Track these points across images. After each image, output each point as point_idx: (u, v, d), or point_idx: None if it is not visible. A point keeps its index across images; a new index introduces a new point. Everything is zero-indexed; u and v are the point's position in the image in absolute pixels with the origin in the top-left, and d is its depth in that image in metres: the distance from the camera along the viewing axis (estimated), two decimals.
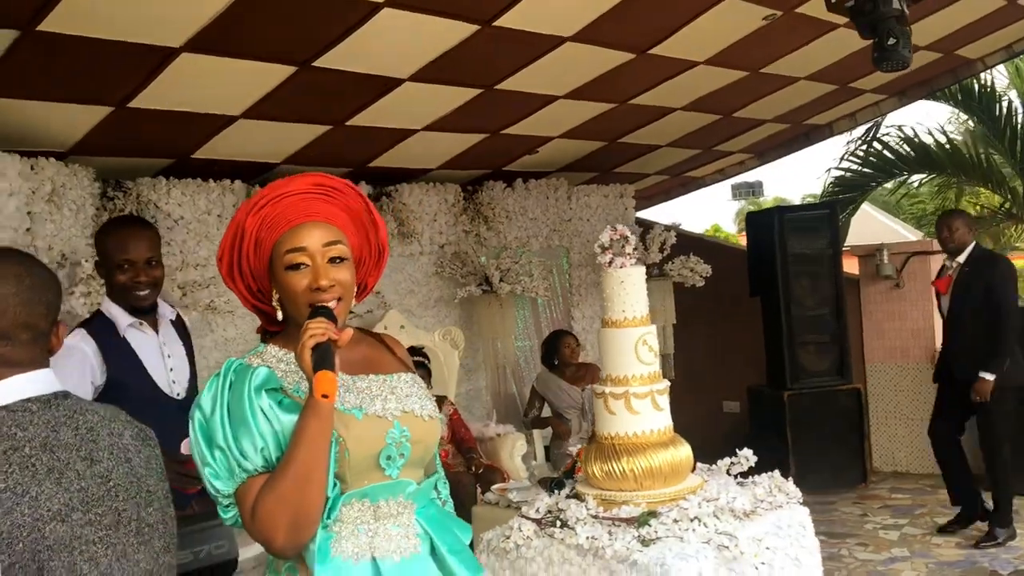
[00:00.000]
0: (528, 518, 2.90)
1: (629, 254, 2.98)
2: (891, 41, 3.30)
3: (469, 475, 5.17)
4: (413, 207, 6.22)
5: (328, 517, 1.60)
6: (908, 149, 7.91)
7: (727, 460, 3.22)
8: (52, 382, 1.51)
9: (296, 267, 1.67)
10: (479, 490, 4.96)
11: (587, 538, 2.68)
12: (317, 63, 4.21)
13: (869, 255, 6.91)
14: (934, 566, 4.68)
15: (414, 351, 5.60)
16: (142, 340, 2.76)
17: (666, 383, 2.99)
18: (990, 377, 4.87)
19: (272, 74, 4.26)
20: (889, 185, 8.44)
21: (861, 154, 8.17)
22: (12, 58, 3.51)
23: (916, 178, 8.26)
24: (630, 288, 2.95)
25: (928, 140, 7.88)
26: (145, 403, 2.49)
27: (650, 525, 2.70)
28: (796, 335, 6.49)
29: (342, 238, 1.73)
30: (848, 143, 8.32)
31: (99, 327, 2.69)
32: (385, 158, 5.89)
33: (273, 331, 1.81)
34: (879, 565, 4.75)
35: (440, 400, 5.56)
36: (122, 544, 1.45)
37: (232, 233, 1.73)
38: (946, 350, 5.33)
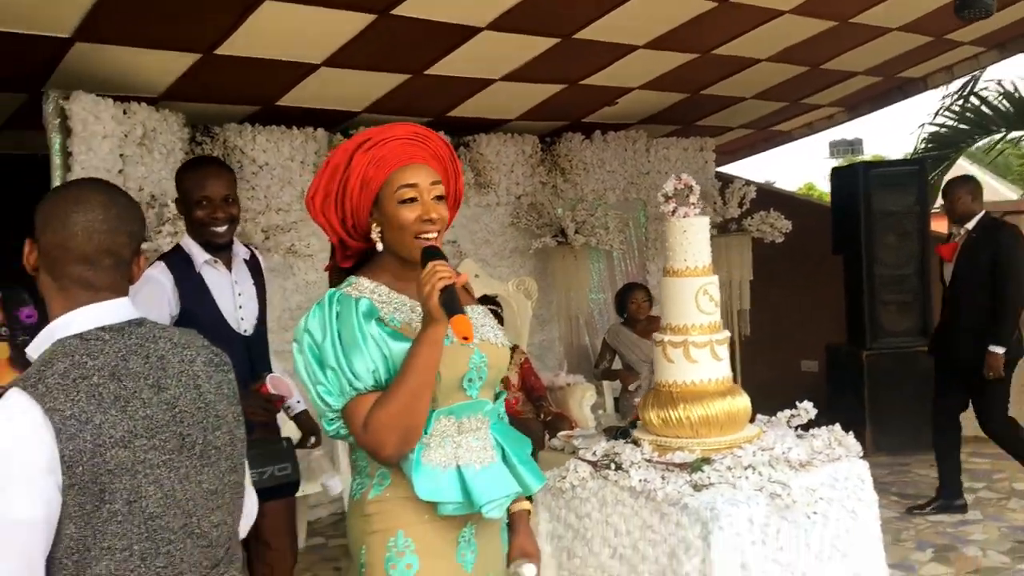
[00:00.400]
0: (585, 460, 2.97)
1: (693, 204, 2.98)
2: None
3: (538, 422, 5.25)
4: (490, 157, 6.27)
5: (423, 432, 1.80)
6: (1008, 104, 7.57)
7: (787, 412, 3.21)
8: (128, 311, 1.58)
9: (408, 201, 1.84)
10: (547, 437, 5.05)
11: (640, 480, 2.73)
12: (396, 11, 4.26)
13: None
14: (1007, 530, 4.58)
15: (487, 299, 5.69)
16: (215, 277, 2.88)
17: (726, 333, 2.99)
18: (1000, 350, 4.59)
19: (352, 22, 4.33)
20: (983, 142, 8.12)
21: (957, 109, 7.85)
22: (105, 5, 3.66)
23: (1016, 135, 7.91)
24: (692, 238, 2.96)
25: None
26: (213, 337, 2.61)
27: (703, 471, 2.73)
28: (877, 294, 6.34)
29: (440, 180, 1.91)
30: (944, 98, 8.02)
31: (177, 261, 2.83)
32: (464, 108, 5.94)
33: (343, 267, 1.98)
34: (949, 527, 4.68)
35: (512, 349, 5.65)
36: (185, 467, 1.51)
37: (334, 170, 1.88)
38: (945, 324, 5.04)
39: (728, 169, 9.00)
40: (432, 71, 5.14)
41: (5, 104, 4.63)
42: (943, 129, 8.03)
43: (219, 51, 4.34)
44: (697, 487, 2.67)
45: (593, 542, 2.86)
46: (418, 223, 1.84)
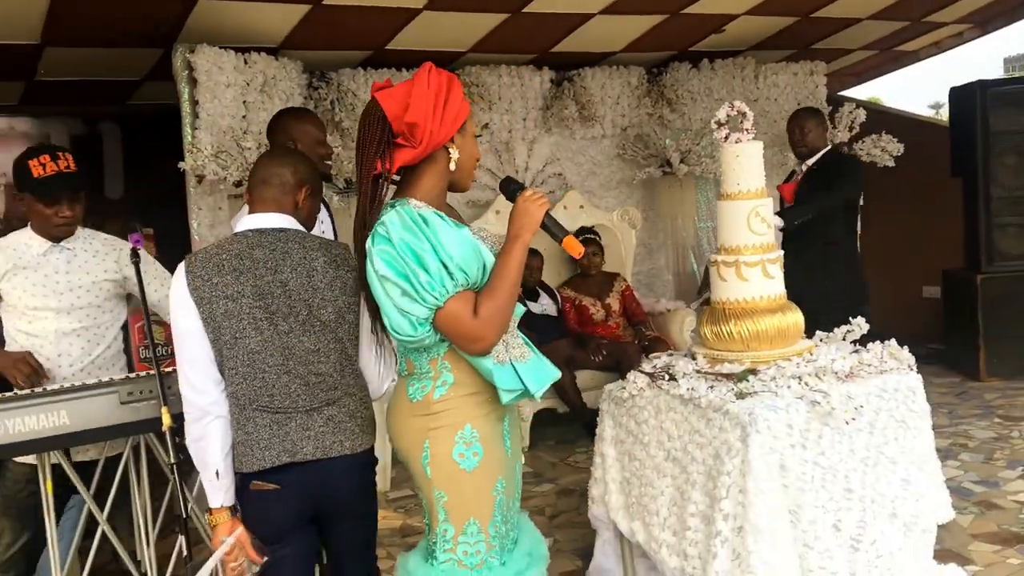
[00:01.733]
0: (643, 372, 3.21)
1: (747, 129, 3.11)
2: None
3: (635, 346, 5.49)
4: (595, 91, 6.42)
5: None
6: None
7: (844, 328, 3.33)
8: (277, 220, 2.22)
9: (477, 137, 2.23)
10: (645, 359, 5.28)
11: (688, 389, 2.95)
12: None
13: None
14: None
15: (584, 230, 5.93)
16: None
17: (779, 253, 3.13)
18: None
19: None
20: None
21: None
22: None
23: None
24: (745, 162, 3.09)
25: None
26: None
27: (748, 380, 2.92)
28: (994, 216, 6.18)
29: None
30: None
31: None
32: (566, 43, 6.10)
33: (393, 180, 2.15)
34: None
35: (612, 277, 5.89)
36: (288, 325, 2.14)
37: (437, 92, 2.07)
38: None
39: (848, 92, 8.78)
40: (530, 8, 5.32)
41: (144, 59, 5.16)
42: None
43: (326, 1, 4.70)
44: (741, 395, 2.87)
45: (650, 446, 3.10)
46: (476, 161, 2.23)
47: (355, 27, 5.17)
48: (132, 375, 2.51)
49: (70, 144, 6.19)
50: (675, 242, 6.67)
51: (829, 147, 4.88)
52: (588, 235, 5.85)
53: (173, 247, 4.92)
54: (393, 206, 2.06)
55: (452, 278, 1.97)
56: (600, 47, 6.34)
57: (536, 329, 5.32)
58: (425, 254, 1.96)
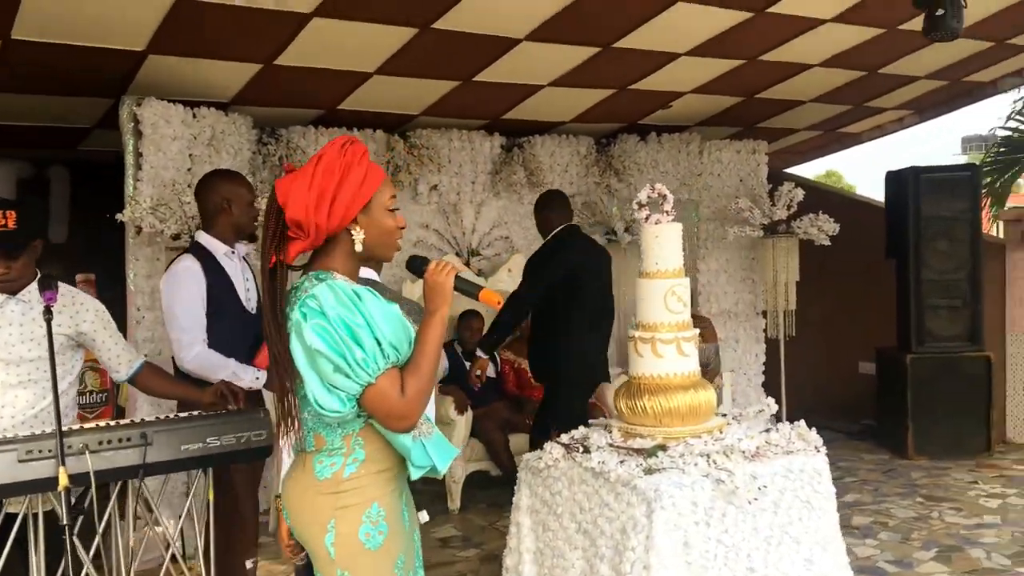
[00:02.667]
0: (559, 443, 3.26)
1: (667, 211, 3.23)
2: (939, 12, 3.29)
3: None
4: (544, 158, 6.57)
5: None
6: None
7: (755, 407, 3.42)
8: None
9: (394, 210, 2.12)
10: None
11: (598, 462, 3.01)
12: (436, 25, 4.62)
13: (1015, 220, 6.64)
14: (1020, 534, 4.62)
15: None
16: (231, 265, 3.43)
17: (694, 332, 3.23)
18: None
19: (395, 35, 4.70)
20: None
21: None
22: (169, 23, 4.13)
23: None
24: (664, 243, 3.21)
25: None
26: (232, 316, 3.37)
27: (657, 456, 2.99)
28: (925, 298, 6.37)
29: None
30: (1015, 101, 7.88)
31: (202, 253, 3.39)
32: (517, 111, 6.25)
33: (292, 266, 2.11)
34: (963, 529, 4.74)
35: None
36: None
37: (327, 172, 2.01)
38: None
39: (794, 169, 9.03)
40: (480, 78, 5.47)
41: (95, 108, 5.21)
42: (1015, 134, 7.88)
43: (278, 62, 4.79)
44: (649, 471, 2.93)
45: (563, 517, 3.15)
46: (398, 231, 2.14)
47: (307, 87, 5.26)
48: (37, 432, 2.51)
49: (16, 188, 6.17)
50: (618, 309, 6.75)
51: (565, 224, 4.94)
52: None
53: (114, 293, 4.93)
54: (320, 278, 2.02)
55: (384, 356, 1.97)
56: (550, 116, 6.51)
57: (474, 391, 5.37)
58: (360, 330, 1.94)
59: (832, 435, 7.14)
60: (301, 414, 2.09)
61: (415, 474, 2.09)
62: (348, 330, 1.93)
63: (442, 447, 2.16)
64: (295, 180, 2.02)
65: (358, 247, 2.07)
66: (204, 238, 3.41)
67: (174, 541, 2.87)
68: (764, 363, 7.29)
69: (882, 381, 6.80)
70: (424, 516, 2.35)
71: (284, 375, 2.03)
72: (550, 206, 4.97)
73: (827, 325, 7.77)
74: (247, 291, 3.45)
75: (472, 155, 6.39)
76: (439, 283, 2.11)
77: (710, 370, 5.81)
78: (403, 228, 2.16)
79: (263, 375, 3.30)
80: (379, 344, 1.95)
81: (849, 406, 7.58)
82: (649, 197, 3.20)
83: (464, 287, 2.18)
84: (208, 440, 2.57)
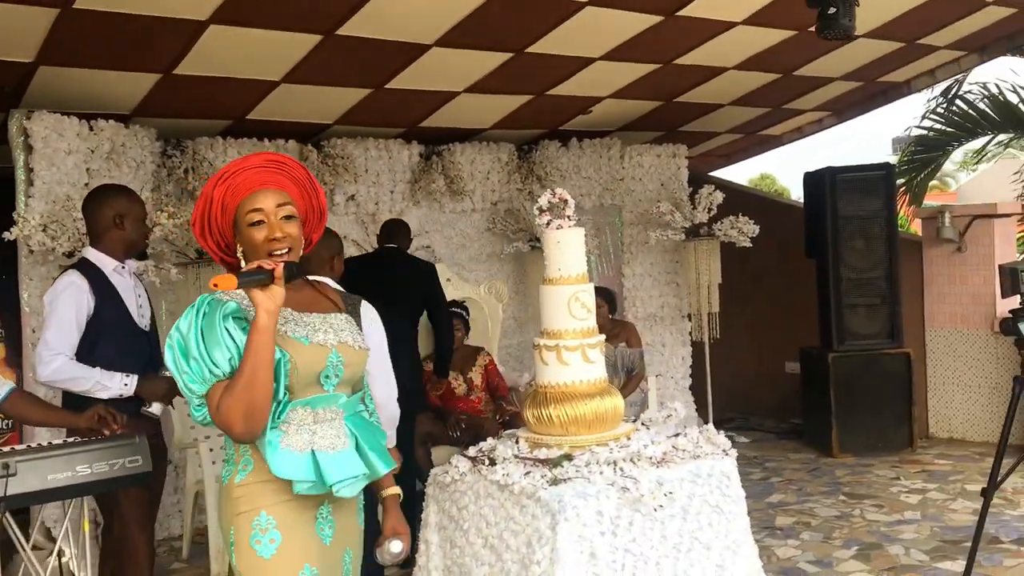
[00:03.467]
0: (466, 456, 3.17)
1: (569, 216, 3.16)
2: (832, 10, 3.30)
3: (494, 421, 5.46)
4: (464, 166, 6.49)
5: (278, 418, 2.05)
6: (992, 107, 7.53)
7: (664, 411, 3.37)
8: None
9: (256, 224, 2.09)
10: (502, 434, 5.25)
11: (503, 475, 2.93)
12: (340, 32, 4.51)
13: (932, 217, 6.74)
14: (938, 530, 4.66)
15: (454, 304, 5.92)
16: (121, 281, 3.32)
17: (599, 338, 3.17)
18: None
19: (299, 42, 4.60)
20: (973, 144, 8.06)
21: (942, 112, 7.84)
22: (57, 33, 3.97)
23: (1003, 137, 7.87)
24: (566, 248, 3.13)
25: (1014, 98, 7.47)
26: (122, 331, 3.27)
27: (562, 466, 2.92)
28: (844, 297, 6.43)
29: (290, 201, 2.16)
30: (928, 101, 8.01)
31: (88, 269, 3.26)
32: (435, 118, 6.16)
33: None
34: (883, 526, 4.76)
35: (475, 351, 5.87)
36: None
37: (203, 202, 2.13)
38: None
39: (720, 172, 9.09)
40: (392, 85, 5.37)
41: None
42: (930, 133, 8.02)
43: (178, 71, 4.64)
44: (555, 481, 2.85)
45: (469, 532, 3.05)
46: (267, 242, 2.09)
47: (212, 96, 5.11)
48: None
49: None
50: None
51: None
52: (454, 309, 5.84)
53: (12, 314, 4.72)
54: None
55: (210, 371, 1.99)
56: (469, 123, 6.43)
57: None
58: (190, 346, 1.99)
59: (761, 435, 7.20)
60: None
61: (295, 488, 2.03)
62: (181, 347, 2.00)
63: (343, 464, 2.09)
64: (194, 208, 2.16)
65: (243, 263, 2.11)
66: (92, 253, 3.31)
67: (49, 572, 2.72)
68: (691, 366, 7.31)
69: (806, 380, 6.84)
70: (397, 546, 2.26)
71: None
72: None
73: (752, 326, 7.82)
74: (139, 307, 3.36)
75: (390, 164, 6.28)
76: (252, 297, 1.98)
77: (635, 375, 5.77)
78: (274, 238, 2.09)
79: (133, 380, 3.17)
80: (200, 360, 1.98)
81: (777, 406, 7.63)
82: (550, 202, 3.13)
83: (248, 280, 1.96)
84: (78, 468, 2.43)
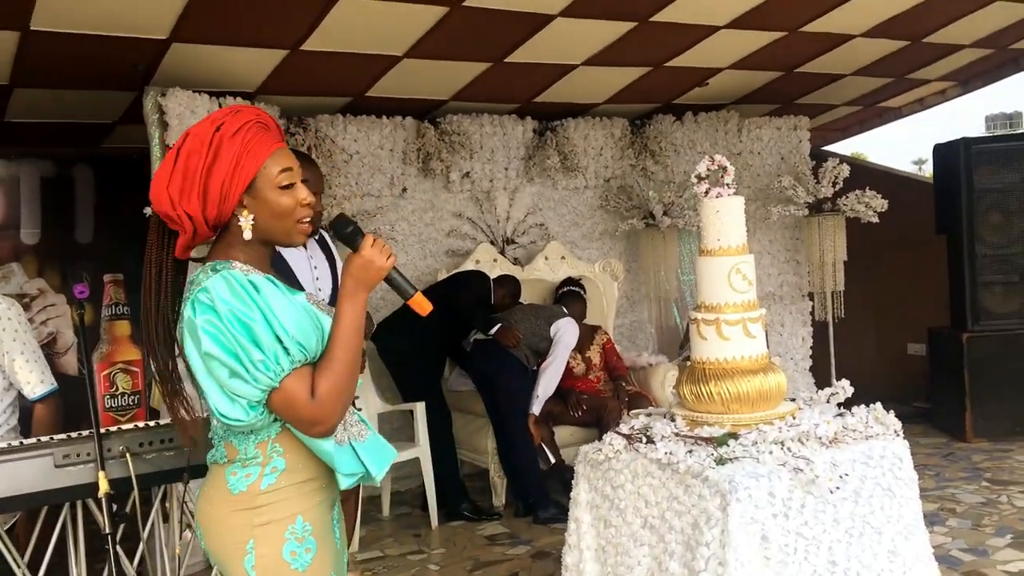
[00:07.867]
0: (620, 434, 3.07)
1: (728, 184, 3.02)
2: None
3: (616, 401, 5.36)
4: (578, 141, 6.37)
5: None
6: None
7: (828, 390, 3.21)
8: None
9: (289, 187, 1.79)
10: (626, 415, 5.14)
11: (665, 453, 2.82)
12: (466, 3, 4.43)
13: None
14: None
15: (570, 281, 5.83)
16: (295, 255, 3.25)
17: (760, 312, 3.03)
18: None
19: (425, 15, 4.52)
20: None
21: None
22: (194, 8, 3.97)
23: None
24: (726, 218, 3.00)
25: None
26: None
27: (728, 445, 2.79)
28: (979, 274, 6.11)
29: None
30: None
31: None
32: (549, 93, 6.05)
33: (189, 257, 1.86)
34: None
35: (593, 330, 5.76)
36: None
37: (190, 158, 1.74)
38: None
39: (834, 147, 8.78)
40: (511, 59, 5.28)
41: (118, 101, 5.07)
42: None
43: (305, 47, 4.62)
44: (721, 461, 2.74)
45: (626, 512, 2.96)
46: (300, 208, 1.82)
47: (333, 74, 5.10)
48: (74, 434, 2.35)
49: (40, 186, 6.07)
50: (658, 295, 6.56)
51: None
52: (572, 287, 5.74)
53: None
54: (216, 269, 1.74)
55: (288, 355, 1.69)
56: (583, 98, 6.30)
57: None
58: (257, 327, 1.67)
59: None
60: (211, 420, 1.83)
61: (343, 483, 1.82)
62: (243, 327, 1.66)
63: (377, 451, 1.90)
64: (161, 166, 1.76)
65: (247, 234, 1.78)
66: None
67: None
68: (811, 347, 7.06)
69: (935, 363, 6.54)
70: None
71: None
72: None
73: (873, 306, 7.52)
74: (316, 280, 3.31)
75: (504, 140, 6.20)
76: (375, 265, 1.77)
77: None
78: (308, 204, 1.83)
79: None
80: (280, 341, 1.69)
81: (899, 389, 7.32)
82: (708, 169, 2.99)
83: (400, 281, 1.84)
84: None
